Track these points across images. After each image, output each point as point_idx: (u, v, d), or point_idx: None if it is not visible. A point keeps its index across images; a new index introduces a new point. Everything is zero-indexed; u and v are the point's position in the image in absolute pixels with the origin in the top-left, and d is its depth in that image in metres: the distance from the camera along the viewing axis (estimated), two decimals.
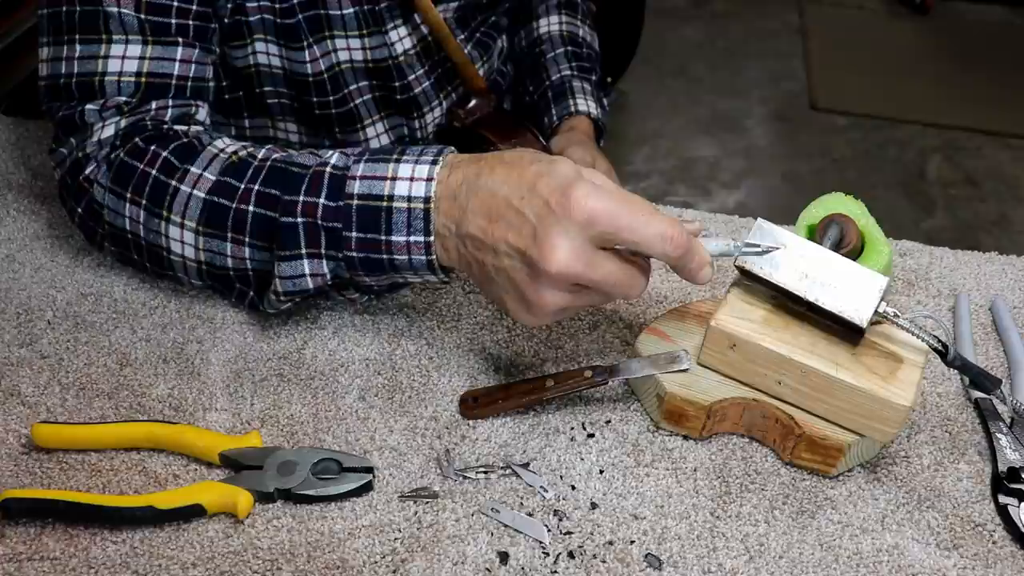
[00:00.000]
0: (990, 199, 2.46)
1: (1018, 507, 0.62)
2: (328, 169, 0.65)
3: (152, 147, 0.70)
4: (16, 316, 0.73)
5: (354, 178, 0.63)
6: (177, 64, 0.74)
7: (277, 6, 0.82)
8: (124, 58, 0.72)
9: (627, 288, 0.59)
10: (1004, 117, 2.72)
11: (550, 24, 1.11)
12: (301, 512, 0.60)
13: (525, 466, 0.63)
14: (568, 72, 1.08)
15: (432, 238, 0.62)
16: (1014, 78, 2.87)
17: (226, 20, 0.81)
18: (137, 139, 0.71)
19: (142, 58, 0.73)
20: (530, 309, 0.60)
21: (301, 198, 0.64)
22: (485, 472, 0.63)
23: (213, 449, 0.62)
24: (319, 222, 0.64)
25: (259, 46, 0.84)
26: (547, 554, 0.59)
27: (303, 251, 0.65)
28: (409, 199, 0.61)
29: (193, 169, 0.69)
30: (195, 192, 0.68)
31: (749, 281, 0.65)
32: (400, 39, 0.90)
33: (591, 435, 0.66)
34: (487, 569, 0.58)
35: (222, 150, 0.70)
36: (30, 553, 0.57)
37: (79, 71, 0.72)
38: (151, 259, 0.72)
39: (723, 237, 0.60)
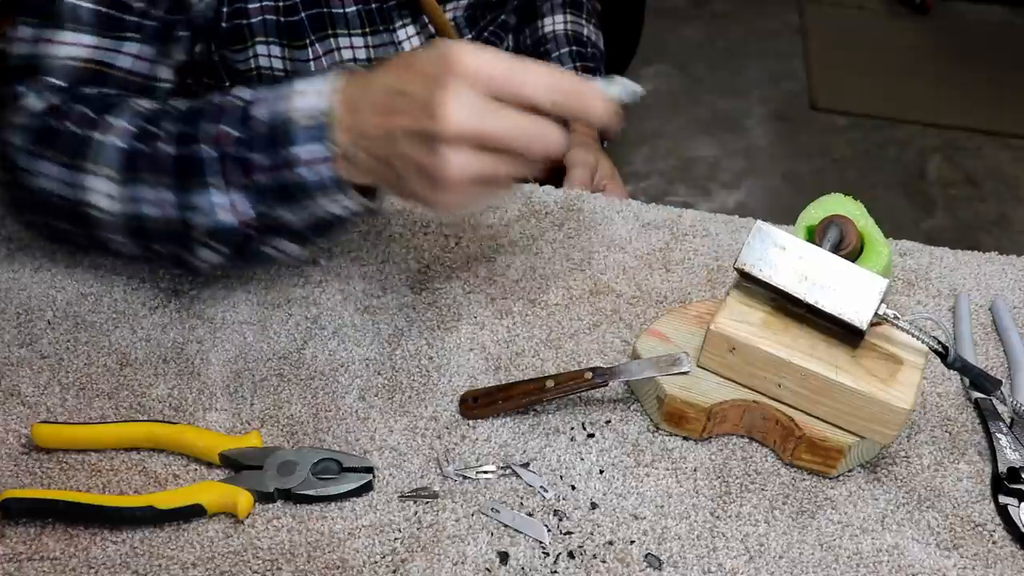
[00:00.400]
0: (990, 199, 2.46)
1: (1018, 507, 0.62)
2: (235, 100, 0.64)
3: (73, 106, 0.69)
4: (16, 316, 0.73)
5: (257, 101, 0.63)
6: (125, 58, 0.73)
7: (280, 4, 0.82)
8: (72, 44, 0.72)
9: (540, 137, 0.56)
10: (1004, 117, 2.72)
11: (555, 23, 1.11)
12: (301, 512, 0.60)
13: (525, 466, 0.63)
14: (572, 71, 1.09)
15: (335, 150, 0.60)
16: (1014, 78, 2.87)
17: (223, 24, 0.81)
18: (61, 106, 0.70)
19: (89, 47, 0.72)
20: (439, 185, 0.57)
21: (211, 129, 0.64)
22: (485, 472, 0.63)
23: (213, 449, 0.62)
24: (230, 151, 0.63)
25: (260, 48, 0.85)
26: (547, 554, 0.59)
27: (209, 180, 0.63)
28: (309, 110, 0.60)
29: (110, 119, 0.67)
30: (113, 141, 0.66)
31: (748, 283, 0.65)
32: (408, 38, 0.90)
33: (591, 435, 0.66)
34: (487, 569, 0.58)
35: (142, 104, 0.69)
36: (30, 553, 0.57)
37: (24, 52, 0.72)
38: (74, 220, 0.69)
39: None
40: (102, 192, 0.67)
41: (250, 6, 0.81)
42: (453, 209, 0.60)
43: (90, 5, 0.71)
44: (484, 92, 0.55)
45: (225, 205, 0.64)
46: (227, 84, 0.88)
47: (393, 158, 0.58)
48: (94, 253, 0.78)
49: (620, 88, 0.58)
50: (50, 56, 0.71)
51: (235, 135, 0.63)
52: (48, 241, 0.76)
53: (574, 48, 1.09)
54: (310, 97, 0.61)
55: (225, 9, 0.81)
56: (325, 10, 0.85)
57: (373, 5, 0.87)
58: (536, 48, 1.11)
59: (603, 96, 0.57)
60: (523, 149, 0.57)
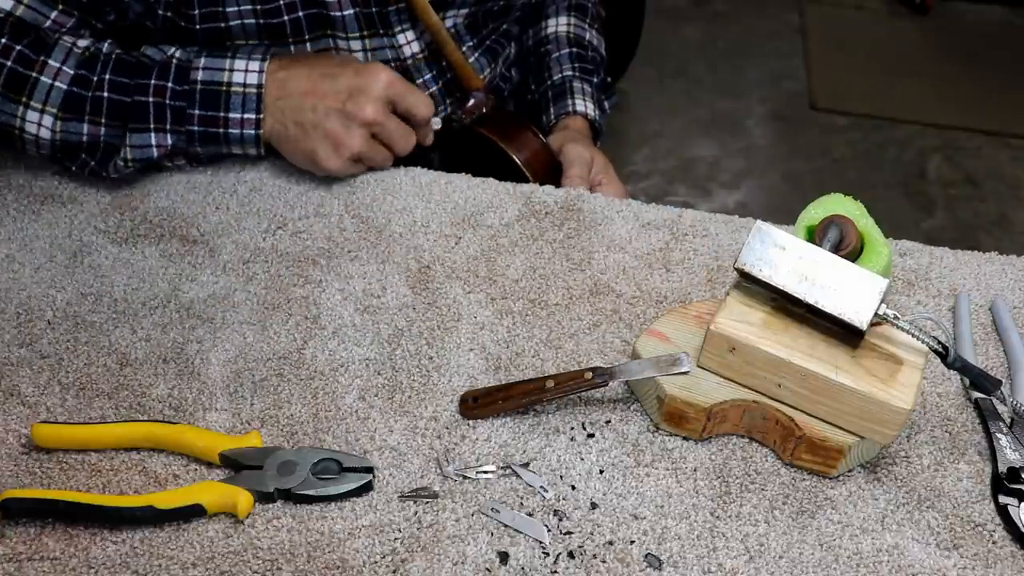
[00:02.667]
0: (990, 199, 2.46)
1: (1018, 507, 0.62)
2: (174, 61, 0.82)
3: (2, 40, 0.77)
4: (16, 316, 0.73)
5: (197, 68, 0.81)
6: (48, 22, 0.80)
7: (258, 7, 0.83)
8: None
9: (406, 139, 0.85)
10: (1004, 117, 2.72)
11: (558, 25, 1.11)
12: (301, 512, 0.60)
13: (525, 466, 0.63)
14: (570, 73, 1.08)
15: (262, 115, 0.81)
16: (1014, 78, 2.87)
17: (198, 27, 0.83)
18: None
19: (16, 2, 0.79)
20: (338, 152, 0.81)
21: (152, 82, 0.80)
22: (485, 472, 0.63)
23: (213, 449, 0.62)
24: (167, 102, 0.80)
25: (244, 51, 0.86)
26: (547, 554, 0.59)
27: (151, 126, 0.80)
28: (244, 85, 0.81)
29: (51, 62, 0.78)
30: (56, 83, 0.79)
31: (748, 283, 0.65)
32: (408, 42, 0.91)
33: (591, 435, 0.66)
34: (487, 569, 0.58)
35: (74, 43, 0.80)
36: (30, 553, 0.57)
37: None
38: (5, 138, 0.81)
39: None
40: (38, 123, 0.79)
41: (228, 9, 0.82)
42: (333, 172, 0.83)
43: None
44: (390, 99, 0.82)
45: (159, 143, 0.81)
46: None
47: (310, 124, 0.81)
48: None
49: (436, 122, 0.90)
50: None
51: (175, 89, 0.80)
52: None
53: (574, 50, 1.10)
54: (246, 75, 0.81)
55: (196, 11, 0.82)
56: (324, 12, 0.85)
57: (373, 9, 0.87)
58: (537, 49, 1.11)
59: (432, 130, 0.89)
60: (396, 144, 0.85)
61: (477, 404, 0.67)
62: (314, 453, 0.62)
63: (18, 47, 0.78)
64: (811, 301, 0.62)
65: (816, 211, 0.72)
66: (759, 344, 0.62)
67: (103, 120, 0.80)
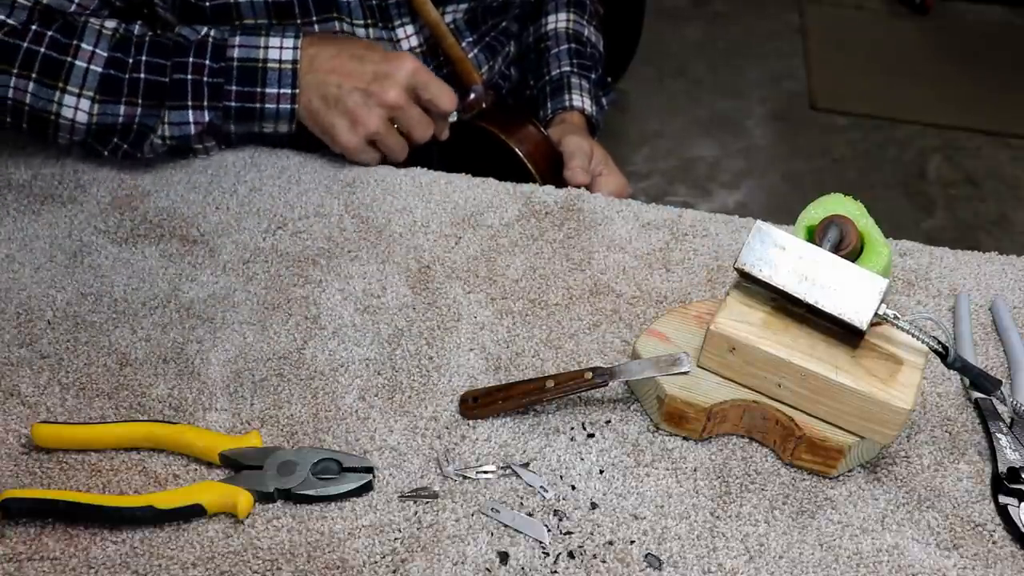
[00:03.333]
0: (990, 199, 2.46)
1: (1018, 507, 0.62)
2: (210, 40, 0.83)
3: (32, 27, 0.79)
4: (16, 316, 0.73)
5: (233, 46, 0.83)
6: (73, 6, 0.82)
7: None
8: None
9: (424, 128, 0.86)
10: (1004, 117, 2.72)
11: (557, 21, 1.12)
12: (301, 512, 0.60)
13: (525, 466, 0.63)
14: (568, 69, 1.09)
15: (298, 90, 0.83)
16: (1014, 78, 2.87)
17: (207, 3, 0.84)
18: (12, 23, 0.79)
19: None
20: (356, 130, 0.83)
21: (191, 59, 0.82)
22: (485, 472, 0.63)
23: (213, 449, 0.62)
24: (204, 79, 0.82)
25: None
26: (547, 554, 0.59)
27: (189, 103, 0.82)
28: (280, 61, 0.83)
29: (84, 46, 0.80)
30: (92, 67, 0.80)
31: (748, 283, 0.65)
32: (407, 36, 0.91)
33: (591, 435, 0.66)
34: (487, 569, 0.58)
35: (102, 25, 0.82)
36: (30, 553, 0.57)
37: None
38: (32, 123, 0.82)
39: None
40: (75, 107, 0.81)
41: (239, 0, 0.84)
42: (349, 150, 0.85)
43: None
44: (414, 87, 0.84)
45: (196, 119, 0.83)
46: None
47: (332, 99, 0.83)
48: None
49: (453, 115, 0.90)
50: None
51: (212, 66, 0.82)
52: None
53: (573, 46, 1.10)
54: (281, 51, 0.83)
55: (208, 4, 0.83)
56: None
57: (374, 1, 0.88)
58: (537, 45, 1.11)
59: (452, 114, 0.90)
60: (413, 132, 0.86)
61: (477, 404, 0.67)
62: (314, 453, 0.62)
63: (49, 33, 0.79)
64: (811, 301, 0.62)
65: (816, 211, 0.72)
66: (759, 344, 0.62)
67: (140, 100, 0.81)
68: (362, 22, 0.89)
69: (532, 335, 0.73)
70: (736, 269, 0.64)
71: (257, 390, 0.68)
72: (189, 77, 0.81)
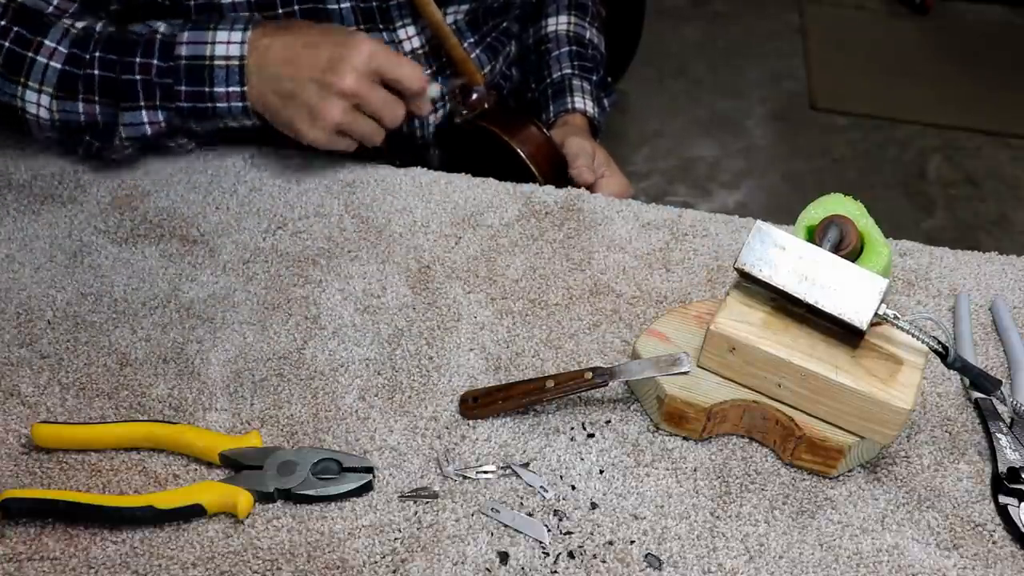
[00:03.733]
0: (990, 199, 2.46)
1: (1018, 507, 0.62)
2: (158, 36, 0.81)
3: (10, 27, 0.79)
4: (16, 316, 0.73)
5: (181, 43, 0.80)
6: (51, 8, 0.82)
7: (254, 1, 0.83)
8: None
9: (392, 110, 0.82)
10: (1004, 117, 2.72)
11: (558, 23, 1.11)
12: (301, 512, 0.60)
13: (525, 466, 0.63)
14: (569, 71, 1.09)
15: (246, 88, 0.80)
16: (1014, 78, 2.87)
17: (193, 17, 0.83)
18: None
19: None
20: (317, 123, 0.79)
21: (138, 59, 0.80)
22: (485, 472, 0.63)
23: (213, 449, 0.62)
24: (154, 79, 0.80)
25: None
26: (547, 554, 0.59)
27: (142, 103, 0.81)
28: (227, 58, 0.80)
29: (47, 42, 0.80)
30: (51, 63, 0.80)
31: (748, 283, 0.65)
32: (408, 38, 0.91)
33: (591, 435, 0.66)
34: (487, 569, 0.58)
35: (71, 25, 0.82)
36: (30, 553, 0.57)
37: None
38: (8, 112, 0.82)
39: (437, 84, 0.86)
40: (37, 103, 0.81)
41: (223, 1, 0.83)
42: (317, 144, 0.81)
43: None
44: (371, 73, 0.79)
45: (151, 120, 0.81)
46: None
47: (290, 95, 0.79)
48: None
49: (435, 90, 0.87)
50: None
51: (160, 66, 0.80)
52: None
53: (574, 48, 1.10)
54: (228, 46, 0.80)
55: (192, 3, 0.83)
56: (320, 6, 0.85)
57: (373, 3, 0.87)
58: (537, 47, 1.11)
59: (432, 99, 0.86)
60: (382, 116, 0.82)
61: (477, 404, 0.67)
62: (314, 453, 0.62)
63: (16, 28, 0.79)
64: (811, 301, 0.62)
65: (816, 211, 0.72)
66: (759, 344, 0.62)
67: (96, 98, 0.81)
68: (354, 28, 0.87)
69: (532, 335, 0.73)
70: (736, 269, 0.64)
71: (257, 390, 0.68)
72: (138, 77, 0.80)
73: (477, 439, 0.65)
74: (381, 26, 0.89)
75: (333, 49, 0.79)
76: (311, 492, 0.60)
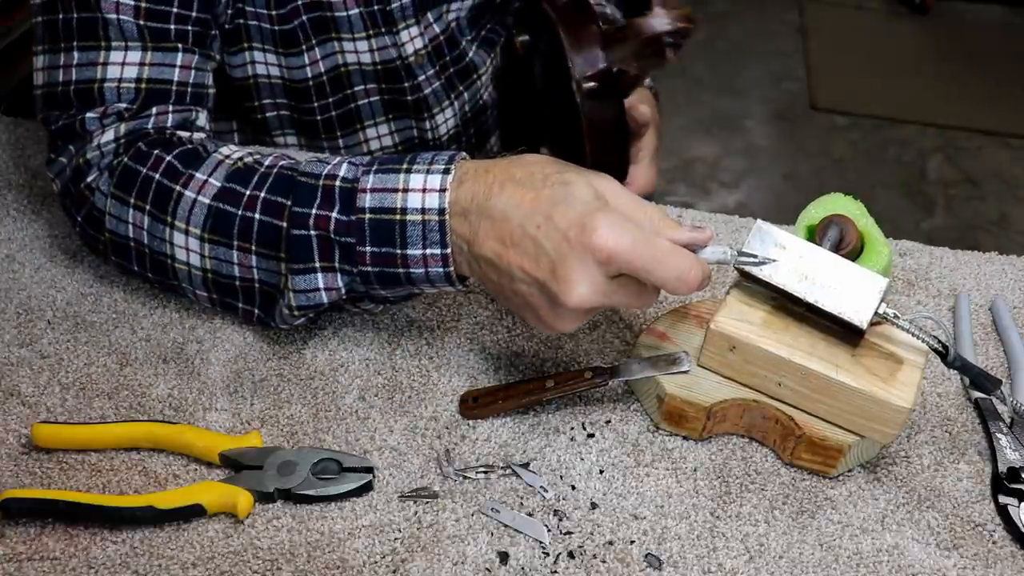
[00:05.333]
0: (990, 199, 2.46)
1: (1018, 507, 0.62)
2: (338, 183, 0.63)
3: (155, 151, 0.69)
4: (16, 316, 0.73)
5: (364, 191, 0.62)
6: (177, 70, 0.73)
7: (274, 12, 0.82)
8: (124, 64, 0.71)
9: (640, 304, 0.60)
10: (1004, 117, 2.72)
11: None
12: (301, 512, 0.60)
13: (525, 466, 0.63)
14: None
15: (449, 250, 0.60)
16: (1014, 78, 2.87)
17: (227, 26, 0.81)
18: (140, 144, 0.70)
19: (142, 64, 0.71)
20: (549, 328, 0.60)
21: (313, 211, 0.62)
22: (485, 472, 0.63)
23: (213, 449, 0.62)
24: (332, 236, 0.62)
25: (257, 55, 0.84)
26: (547, 554, 0.59)
27: (317, 264, 0.63)
28: (423, 211, 0.60)
29: (198, 175, 0.67)
30: (200, 198, 0.66)
31: (749, 282, 0.65)
32: (411, 39, 0.90)
33: (591, 435, 0.66)
34: (487, 569, 0.58)
35: (227, 156, 0.69)
36: (30, 553, 0.57)
37: (77, 78, 0.71)
38: (155, 268, 0.70)
39: (721, 244, 0.60)
40: (185, 247, 0.67)
41: (247, 8, 0.81)
42: (561, 331, 0.61)
43: (133, 20, 0.70)
44: (613, 273, 0.56)
45: (328, 285, 0.64)
46: (222, 97, 0.85)
47: (506, 287, 0.60)
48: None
49: (719, 252, 0.59)
50: (107, 80, 0.70)
51: (339, 219, 0.62)
52: (136, 278, 0.75)
53: None
54: (427, 197, 0.60)
55: (229, 11, 0.81)
56: (328, 14, 0.84)
57: (375, 7, 0.86)
58: None
59: (708, 280, 0.58)
60: (630, 308, 0.64)
61: (477, 404, 0.67)
62: (314, 453, 0.62)
63: (168, 158, 0.68)
64: (811, 300, 0.62)
65: (816, 211, 0.72)
66: (759, 343, 0.62)
67: (253, 247, 0.65)
68: (363, 34, 0.87)
69: (532, 335, 0.73)
70: (736, 268, 0.64)
71: (257, 390, 0.68)
72: (313, 233, 0.63)
73: (477, 439, 0.65)
74: (384, 30, 0.88)
75: (560, 242, 0.56)
76: (311, 492, 0.60)
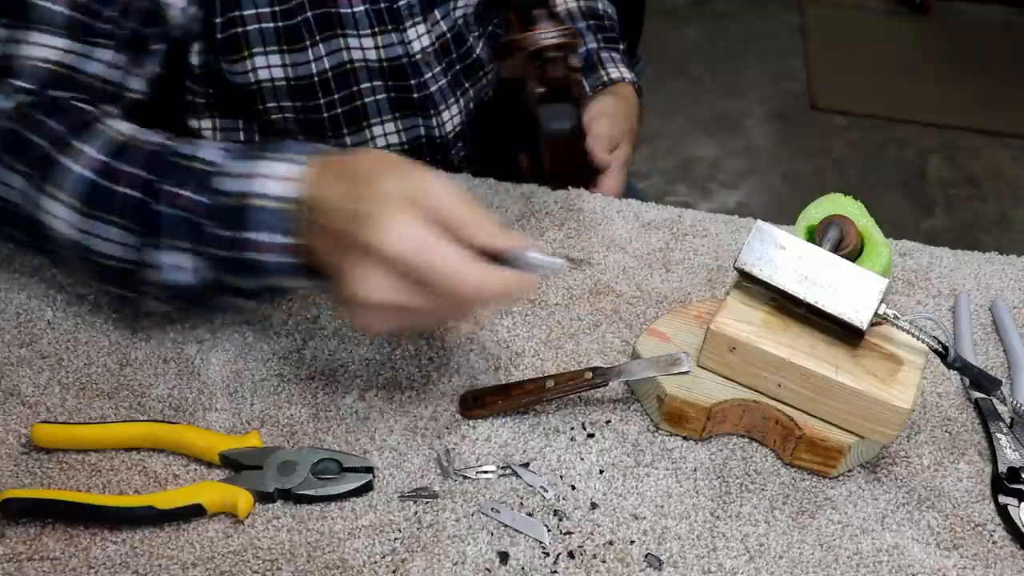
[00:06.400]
0: (990, 199, 2.46)
1: (1018, 507, 0.62)
2: (198, 164, 0.63)
3: (43, 117, 0.67)
4: (16, 316, 0.73)
5: (223, 175, 0.62)
6: (94, 64, 0.72)
7: (277, 9, 0.81)
8: (43, 46, 0.70)
9: (447, 312, 0.58)
10: (1004, 117, 2.72)
11: (567, 1, 1.09)
12: (301, 512, 0.60)
13: (525, 466, 0.63)
14: (595, 46, 1.06)
15: (297, 239, 0.59)
16: (1014, 78, 2.87)
17: (219, 35, 0.80)
18: (33, 111, 0.68)
19: (60, 50, 0.70)
20: (360, 325, 0.59)
21: (174, 189, 0.62)
22: (485, 472, 0.63)
23: (213, 449, 0.62)
24: (189, 215, 0.62)
25: (259, 60, 0.83)
26: (547, 554, 0.59)
27: (174, 243, 0.63)
28: (277, 199, 0.60)
29: (80, 145, 0.66)
30: (80, 170, 0.65)
31: (748, 283, 0.65)
32: (418, 36, 0.89)
33: (591, 435, 0.66)
34: (487, 569, 0.58)
35: (113, 128, 0.68)
36: (30, 553, 0.57)
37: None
38: (34, 233, 0.68)
39: (548, 255, 0.57)
40: (60, 217, 0.66)
41: (245, 13, 0.80)
42: (365, 330, 0.60)
43: (63, 9, 0.70)
44: (400, 271, 0.54)
45: (179, 265, 0.63)
46: (225, 101, 0.85)
47: (334, 279, 0.58)
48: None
49: (544, 264, 0.57)
50: (20, 56, 0.70)
51: (196, 200, 0.62)
52: (13, 247, 0.75)
53: (592, 23, 1.07)
54: (277, 184, 0.60)
55: (219, 20, 0.80)
56: (333, 10, 0.84)
57: (382, 4, 0.86)
58: None
59: (533, 269, 0.57)
60: (443, 289, 0.55)
61: (477, 404, 0.67)
62: (314, 453, 0.62)
63: (53, 124, 0.67)
64: (811, 301, 0.62)
65: (816, 211, 0.72)
66: (759, 343, 0.62)
67: (125, 222, 0.64)
68: (369, 32, 0.86)
69: (532, 335, 0.73)
70: (736, 269, 0.64)
71: (257, 390, 0.68)
72: (173, 211, 0.63)
73: (477, 439, 0.65)
74: (390, 27, 0.88)
75: (352, 241, 0.56)
76: (311, 492, 0.60)
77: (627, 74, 1.06)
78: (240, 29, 0.81)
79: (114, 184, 0.64)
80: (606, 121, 0.99)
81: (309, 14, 0.83)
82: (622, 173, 1.02)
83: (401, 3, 0.86)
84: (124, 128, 0.68)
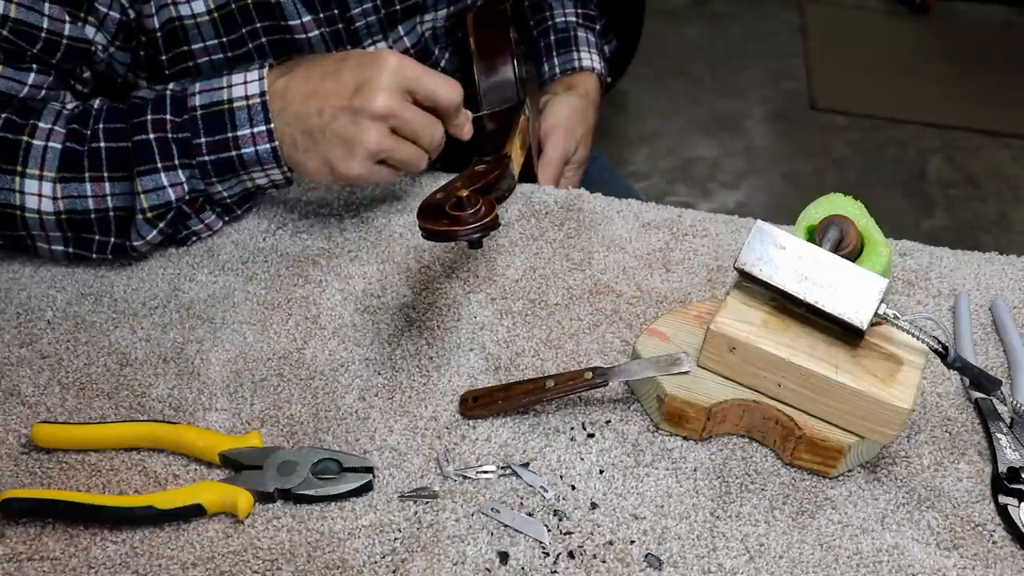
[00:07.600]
0: (990, 199, 2.46)
1: (1018, 507, 0.62)
2: (168, 93, 0.73)
3: None
4: (16, 316, 0.73)
5: (193, 94, 0.72)
6: (27, 88, 0.74)
7: (225, 40, 0.80)
8: None
9: (431, 130, 0.73)
10: (1004, 117, 2.72)
11: None
12: (301, 512, 0.60)
13: (525, 466, 0.63)
14: (573, 19, 1.05)
15: (272, 125, 0.71)
16: (1014, 78, 2.87)
17: (167, 72, 0.80)
18: None
19: None
20: (354, 153, 0.71)
21: (149, 117, 0.71)
22: (485, 472, 0.63)
23: (213, 449, 0.62)
24: (169, 135, 0.71)
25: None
26: (547, 554, 0.59)
27: (159, 164, 0.71)
28: (247, 98, 0.72)
29: (41, 124, 0.72)
30: (50, 144, 0.71)
31: (748, 283, 0.65)
32: None
33: (591, 435, 0.66)
34: (487, 569, 0.58)
35: (63, 105, 0.75)
36: (30, 553, 0.57)
37: None
38: (1, 224, 0.73)
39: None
40: (38, 193, 0.71)
41: (194, 47, 0.79)
42: (358, 179, 0.73)
43: None
44: (402, 87, 0.71)
45: (172, 181, 0.72)
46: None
47: (318, 130, 0.71)
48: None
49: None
50: None
51: (174, 120, 0.72)
52: None
53: None
54: (248, 87, 0.72)
55: (164, 57, 0.79)
56: (287, 36, 0.82)
57: (340, 25, 0.84)
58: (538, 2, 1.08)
59: (470, 117, 0.77)
60: (420, 136, 0.73)
61: (477, 404, 0.67)
62: (314, 453, 0.62)
63: (4, 114, 0.71)
64: (811, 301, 0.62)
65: (816, 211, 0.72)
66: (759, 343, 0.62)
67: (106, 173, 0.71)
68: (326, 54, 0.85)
69: (532, 335, 0.73)
70: (736, 269, 0.64)
71: (257, 390, 0.68)
72: (152, 136, 0.71)
73: (477, 439, 0.65)
74: (348, 47, 0.86)
75: (356, 71, 0.70)
76: (311, 492, 0.60)
77: (597, 63, 1.05)
78: (191, 63, 0.81)
79: (82, 145, 0.72)
80: (560, 135, 0.99)
81: (264, 40, 0.82)
82: (578, 174, 1.03)
83: (359, 24, 0.85)
84: (66, 102, 0.76)
